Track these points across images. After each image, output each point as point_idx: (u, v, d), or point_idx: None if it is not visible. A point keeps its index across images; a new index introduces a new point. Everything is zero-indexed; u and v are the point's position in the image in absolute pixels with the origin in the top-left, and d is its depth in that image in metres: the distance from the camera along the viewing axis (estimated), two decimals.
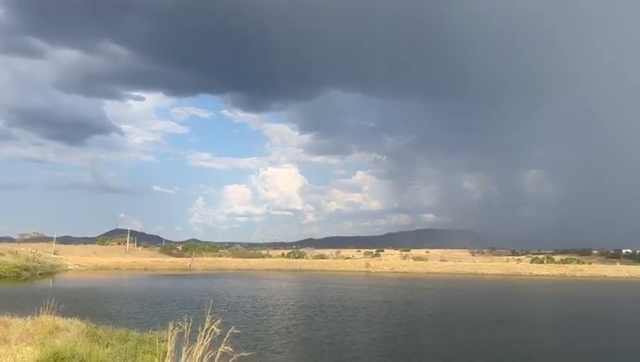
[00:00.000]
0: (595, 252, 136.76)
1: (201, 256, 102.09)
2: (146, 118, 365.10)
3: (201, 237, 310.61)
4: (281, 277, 67.18)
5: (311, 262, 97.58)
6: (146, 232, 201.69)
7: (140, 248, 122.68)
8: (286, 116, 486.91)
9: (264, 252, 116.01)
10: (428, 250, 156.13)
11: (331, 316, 27.98)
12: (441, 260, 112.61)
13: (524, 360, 18.44)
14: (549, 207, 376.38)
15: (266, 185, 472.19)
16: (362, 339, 21.06)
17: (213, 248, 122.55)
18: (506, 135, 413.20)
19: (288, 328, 23.69)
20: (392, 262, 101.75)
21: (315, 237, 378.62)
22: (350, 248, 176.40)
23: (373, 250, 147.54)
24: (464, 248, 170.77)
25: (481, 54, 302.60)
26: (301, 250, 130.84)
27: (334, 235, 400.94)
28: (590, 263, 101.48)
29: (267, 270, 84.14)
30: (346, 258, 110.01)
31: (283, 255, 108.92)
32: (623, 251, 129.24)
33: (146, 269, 79.63)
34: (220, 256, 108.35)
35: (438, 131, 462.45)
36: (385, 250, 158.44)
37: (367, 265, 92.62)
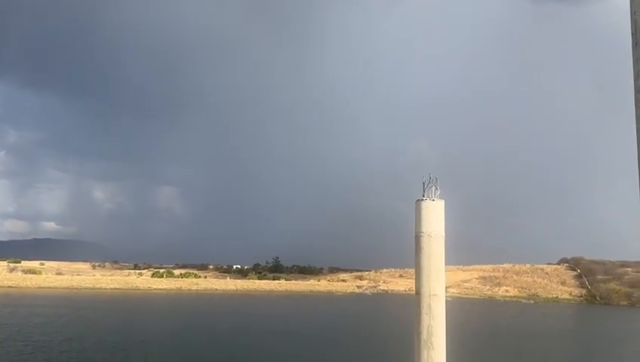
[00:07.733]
0: (212, 267, 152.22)
1: None
2: None
3: None
4: None
5: None
6: None
7: None
8: None
9: None
10: (43, 262, 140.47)
11: None
12: (57, 273, 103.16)
13: None
14: (177, 223, 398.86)
15: None
16: None
17: None
18: (146, 148, 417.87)
19: None
20: None
21: None
22: None
23: None
24: (86, 261, 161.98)
25: (130, 62, 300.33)
26: None
27: None
28: (206, 277, 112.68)
29: None
30: None
31: None
32: (234, 266, 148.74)
33: None
34: None
35: (74, 133, 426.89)
36: None
37: None
